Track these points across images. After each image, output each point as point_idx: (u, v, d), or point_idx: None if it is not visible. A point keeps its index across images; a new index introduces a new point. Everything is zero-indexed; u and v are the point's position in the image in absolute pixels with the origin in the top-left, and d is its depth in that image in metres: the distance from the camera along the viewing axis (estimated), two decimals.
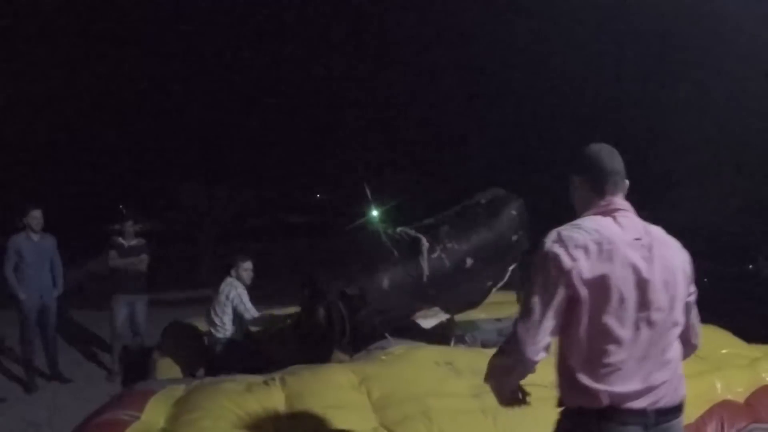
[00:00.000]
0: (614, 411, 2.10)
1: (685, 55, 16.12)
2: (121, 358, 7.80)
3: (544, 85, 20.87)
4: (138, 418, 3.74)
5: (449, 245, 5.36)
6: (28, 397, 6.96)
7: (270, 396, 3.95)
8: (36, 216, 7.12)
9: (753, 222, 12.57)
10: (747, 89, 13.94)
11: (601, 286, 2.09)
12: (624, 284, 2.11)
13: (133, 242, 7.89)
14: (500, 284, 5.63)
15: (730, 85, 14.35)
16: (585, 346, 2.12)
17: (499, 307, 6.73)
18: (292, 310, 6.77)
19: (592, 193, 2.35)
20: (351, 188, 39.03)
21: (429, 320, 5.71)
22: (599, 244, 2.12)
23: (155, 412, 3.87)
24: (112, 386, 7.17)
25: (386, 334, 5.12)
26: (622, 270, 2.11)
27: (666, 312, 2.19)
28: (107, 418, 3.73)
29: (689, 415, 3.61)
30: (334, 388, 4.01)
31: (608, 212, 2.28)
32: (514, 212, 5.62)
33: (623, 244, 2.15)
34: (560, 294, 2.10)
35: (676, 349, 2.27)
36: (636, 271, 2.13)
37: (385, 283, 5.13)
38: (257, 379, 4.24)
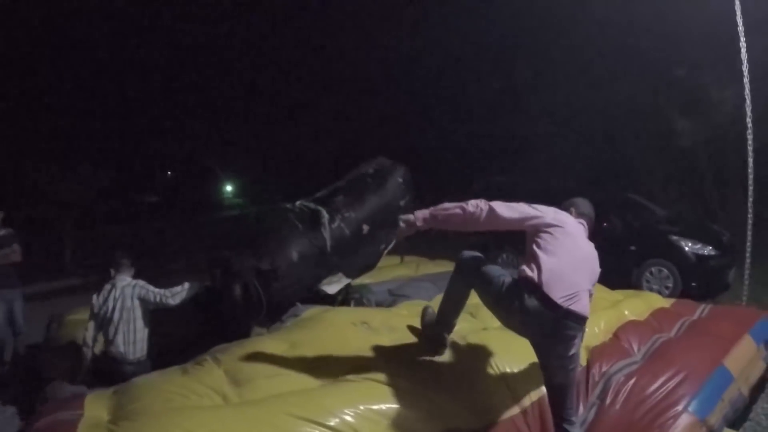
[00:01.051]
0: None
1: (537, 29, 16.90)
2: (6, 361, 7.29)
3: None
4: (81, 414, 3.68)
5: (347, 214, 5.59)
6: None
7: (209, 373, 3.98)
8: None
9: (601, 185, 13.72)
10: (597, 67, 14.88)
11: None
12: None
13: (2, 232, 7.30)
14: (391, 245, 5.89)
15: (582, 62, 15.22)
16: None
17: (385, 271, 7.25)
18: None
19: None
20: (201, 165, 38.71)
21: (333, 286, 5.77)
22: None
23: (95, 407, 3.82)
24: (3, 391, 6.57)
25: (297, 303, 5.41)
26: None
27: None
28: (53, 420, 3.68)
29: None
30: (267, 358, 4.04)
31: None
32: (400, 179, 5.91)
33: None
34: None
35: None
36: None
37: (294, 255, 5.30)
38: (186, 365, 4.25)
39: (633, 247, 9.34)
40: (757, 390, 5.07)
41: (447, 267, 7.72)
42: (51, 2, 24.02)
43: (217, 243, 11.31)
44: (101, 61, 28.20)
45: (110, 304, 5.39)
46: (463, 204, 3.63)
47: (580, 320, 3.41)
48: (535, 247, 3.51)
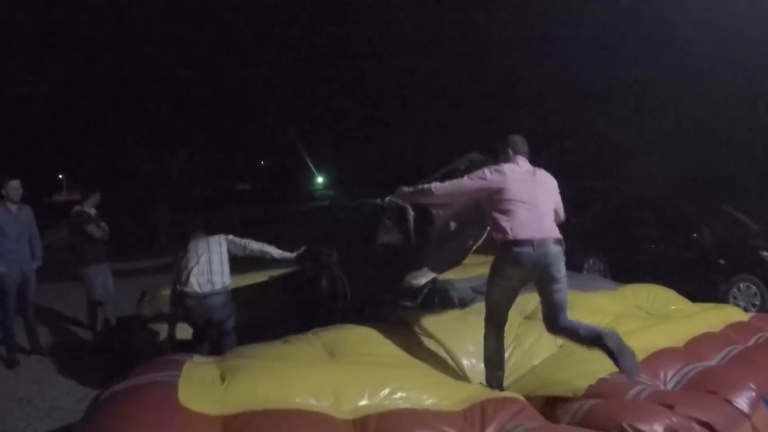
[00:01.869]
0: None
1: (635, 34, 16.74)
2: (101, 329, 7.73)
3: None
4: (177, 377, 3.73)
5: (434, 211, 5.56)
6: (12, 373, 6.69)
7: (310, 344, 4.44)
8: (15, 186, 6.86)
9: (696, 195, 13.48)
10: (695, 76, 14.60)
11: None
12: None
13: (92, 212, 7.83)
14: (480, 241, 5.70)
15: (681, 69, 14.96)
16: None
17: (469, 268, 7.46)
18: (278, 273, 7.28)
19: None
20: (293, 154, 39.55)
21: (419, 279, 5.77)
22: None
23: (194, 369, 3.92)
24: (93, 357, 7.07)
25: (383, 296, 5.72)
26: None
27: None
28: (150, 379, 3.73)
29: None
30: (363, 337, 4.67)
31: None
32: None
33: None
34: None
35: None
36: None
37: (380, 250, 5.51)
38: (286, 337, 4.66)
39: (722, 261, 9.23)
40: None
41: None
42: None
43: (308, 234, 11.77)
44: (203, 53, 29.43)
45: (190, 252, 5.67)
46: (428, 186, 4.70)
47: (558, 241, 4.31)
48: (495, 213, 4.36)
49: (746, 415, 3.86)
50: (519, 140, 4.70)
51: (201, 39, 29.09)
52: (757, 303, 8.65)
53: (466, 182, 4.50)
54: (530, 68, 21.44)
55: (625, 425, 3.47)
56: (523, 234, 4.21)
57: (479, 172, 4.48)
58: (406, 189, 5.04)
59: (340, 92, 30.99)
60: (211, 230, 5.99)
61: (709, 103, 14.17)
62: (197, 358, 4.29)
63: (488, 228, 4.72)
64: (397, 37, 26.17)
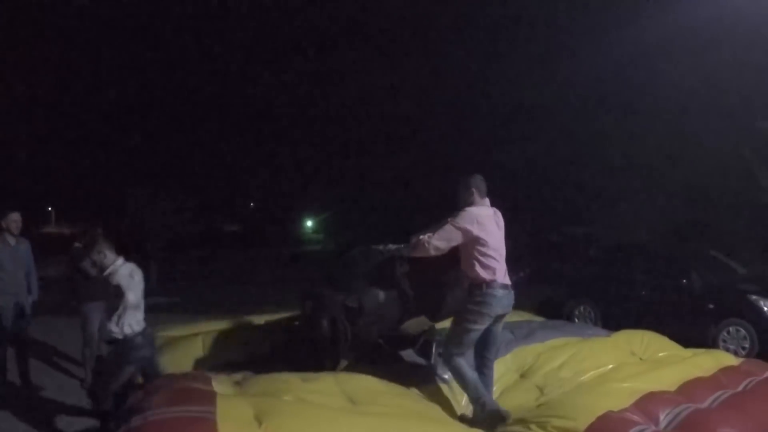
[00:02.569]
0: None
1: (623, 82, 17.10)
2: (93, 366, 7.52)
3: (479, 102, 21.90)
4: (214, 413, 3.71)
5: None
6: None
7: (328, 385, 4.62)
8: (15, 219, 6.79)
9: (684, 241, 13.72)
10: (682, 122, 14.92)
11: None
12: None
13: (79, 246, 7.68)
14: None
15: (668, 116, 15.28)
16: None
17: None
18: (278, 316, 7.43)
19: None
20: (283, 197, 39.69)
21: (415, 327, 6.00)
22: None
23: (228, 404, 3.91)
24: (83, 396, 6.97)
25: (380, 341, 5.83)
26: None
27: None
28: (182, 415, 3.69)
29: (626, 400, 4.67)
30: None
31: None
32: None
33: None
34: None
35: None
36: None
37: (381, 296, 5.59)
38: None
39: (711, 305, 9.39)
40: None
41: (526, 317, 8.04)
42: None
43: (308, 277, 11.85)
44: (201, 94, 29.80)
45: None
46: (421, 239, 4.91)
47: (511, 288, 4.91)
48: (475, 253, 4.78)
49: None
50: (480, 181, 5.04)
51: (193, 77, 29.43)
52: (747, 346, 8.81)
53: (455, 232, 4.80)
54: (519, 114, 21.79)
55: None
56: (501, 276, 4.82)
57: (460, 221, 4.80)
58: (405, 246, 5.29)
59: (330, 134, 31.25)
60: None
61: (695, 150, 14.44)
62: (220, 387, 4.34)
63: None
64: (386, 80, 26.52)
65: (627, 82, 16.80)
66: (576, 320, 10.77)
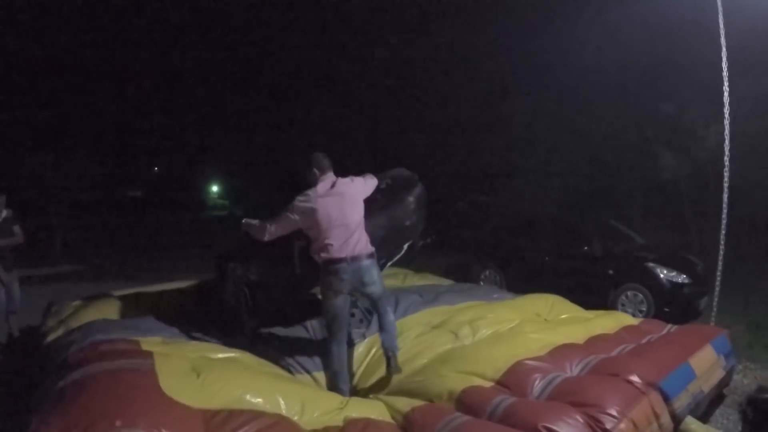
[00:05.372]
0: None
1: (534, 60, 17.44)
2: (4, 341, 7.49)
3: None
4: (152, 364, 4.00)
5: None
6: None
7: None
8: None
9: (585, 211, 14.15)
10: (585, 98, 15.31)
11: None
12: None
13: (5, 213, 7.62)
14: (393, 261, 6.04)
15: (571, 91, 15.64)
16: None
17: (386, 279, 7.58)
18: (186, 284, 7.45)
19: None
20: (188, 162, 38.76)
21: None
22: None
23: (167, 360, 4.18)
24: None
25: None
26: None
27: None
28: (118, 367, 3.95)
29: (538, 351, 4.85)
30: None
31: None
32: (411, 198, 5.77)
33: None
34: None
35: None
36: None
37: (279, 269, 5.52)
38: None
39: (611, 271, 9.74)
40: (716, 402, 5.58)
41: (432, 280, 8.17)
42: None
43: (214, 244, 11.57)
44: (100, 57, 28.62)
45: None
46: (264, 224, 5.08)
47: (370, 255, 4.94)
48: (311, 236, 4.93)
49: (644, 393, 4.21)
50: (318, 158, 5.16)
51: (97, 38, 28.14)
52: (644, 309, 9.20)
53: (289, 218, 4.97)
54: (435, 92, 21.96)
55: (540, 427, 3.70)
56: (343, 252, 4.83)
57: (291, 208, 4.96)
58: (249, 222, 5.30)
59: (235, 96, 30.54)
60: None
61: (601, 127, 14.87)
62: (150, 347, 4.54)
63: (404, 247, 5.66)
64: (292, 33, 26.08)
65: (538, 60, 17.13)
66: (482, 284, 10.95)
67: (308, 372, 5.19)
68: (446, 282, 8.42)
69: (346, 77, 24.30)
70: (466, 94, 20.55)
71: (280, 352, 5.30)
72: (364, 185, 5.26)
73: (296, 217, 4.93)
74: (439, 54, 21.46)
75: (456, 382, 4.40)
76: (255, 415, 3.67)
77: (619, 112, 14.69)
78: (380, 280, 5.07)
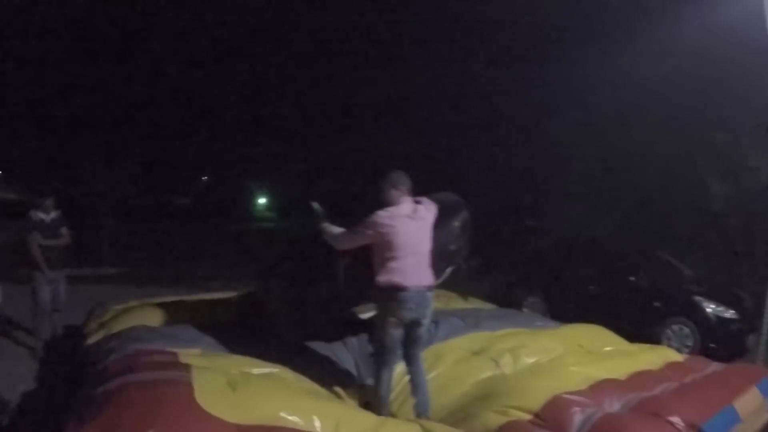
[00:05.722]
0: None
1: (582, 84, 17.30)
2: (43, 338, 7.69)
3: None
4: (188, 377, 4.03)
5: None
6: None
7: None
8: None
9: (634, 239, 13.99)
10: (635, 124, 15.17)
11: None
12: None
13: (53, 215, 7.86)
14: (436, 284, 5.72)
15: (621, 117, 15.51)
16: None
17: None
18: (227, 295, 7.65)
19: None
20: (236, 173, 39.16)
21: (366, 314, 6.18)
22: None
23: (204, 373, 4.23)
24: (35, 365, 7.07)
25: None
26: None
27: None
28: (154, 378, 4.02)
29: (578, 385, 4.80)
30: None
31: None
32: (456, 223, 5.73)
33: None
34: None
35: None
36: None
37: (323, 289, 5.52)
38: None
39: (657, 304, 9.62)
40: None
41: (475, 304, 8.16)
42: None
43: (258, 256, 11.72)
44: (151, 65, 29.29)
45: None
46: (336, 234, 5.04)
47: (432, 288, 4.83)
48: (384, 255, 4.70)
49: None
50: (400, 177, 4.94)
51: (147, 52, 28.85)
52: (690, 344, 9.04)
53: (362, 234, 4.80)
54: (480, 110, 21.90)
55: None
56: (409, 280, 4.65)
57: (371, 222, 4.75)
58: (330, 229, 5.17)
59: (287, 109, 30.91)
60: None
61: (649, 155, 14.71)
62: (188, 360, 4.58)
63: (447, 271, 5.54)
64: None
65: (587, 84, 16.99)
66: (525, 310, 10.91)
67: (344, 389, 5.21)
68: (488, 306, 8.40)
69: (401, 96, 24.34)
70: (515, 117, 20.46)
71: (319, 369, 5.31)
72: (435, 214, 5.08)
73: (372, 231, 4.74)
74: (487, 76, 21.39)
75: (494, 419, 4.39)
76: None
77: (671, 139, 14.50)
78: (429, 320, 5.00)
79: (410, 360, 4.95)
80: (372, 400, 5.00)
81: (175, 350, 4.87)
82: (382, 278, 4.71)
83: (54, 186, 10.07)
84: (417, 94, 23.86)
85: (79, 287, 10.59)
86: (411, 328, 4.81)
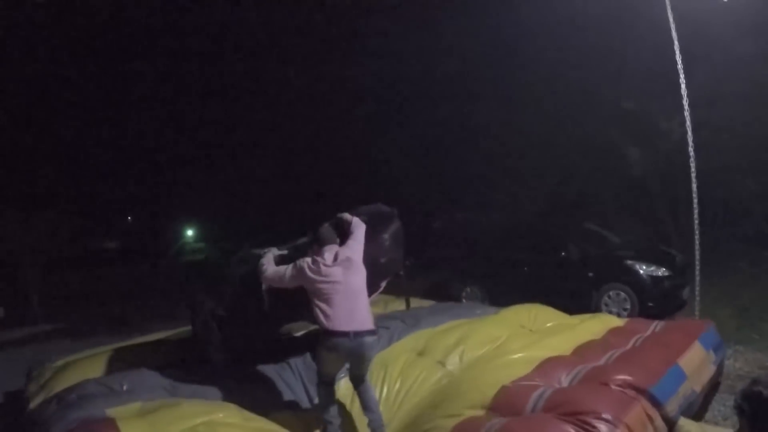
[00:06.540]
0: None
1: (493, 70, 17.42)
2: None
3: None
4: None
5: None
6: None
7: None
8: None
9: (559, 217, 14.15)
10: (551, 102, 15.36)
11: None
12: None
13: None
14: (372, 298, 5.52)
15: (537, 99, 15.68)
16: None
17: None
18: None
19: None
20: (160, 209, 38.44)
21: (300, 332, 6.28)
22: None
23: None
24: None
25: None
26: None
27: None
28: None
29: (523, 370, 4.75)
30: None
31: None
32: (385, 236, 5.61)
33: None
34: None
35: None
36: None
37: (250, 305, 5.41)
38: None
39: (591, 273, 9.68)
40: (711, 393, 5.52)
41: (415, 303, 8.06)
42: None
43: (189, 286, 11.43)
44: (64, 107, 28.37)
45: None
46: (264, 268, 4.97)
47: (371, 332, 4.59)
48: (314, 299, 4.61)
49: (636, 399, 4.16)
50: (326, 232, 4.90)
51: (58, 89, 27.82)
52: (628, 307, 9.15)
53: (288, 274, 4.76)
54: (394, 107, 21.82)
55: None
56: (342, 326, 4.51)
57: (299, 268, 4.71)
58: (264, 263, 5.10)
59: (205, 137, 30.27)
60: None
61: (565, 132, 14.91)
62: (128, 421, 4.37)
63: (382, 284, 5.48)
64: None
65: (497, 70, 17.11)
66: (464, 301, 10.85)
67: (296, 414, 5.05)
68: (427, 303, 8.32)
69: (321, 100, 24.07)
70: (429, 106, 20.40)
71: (269, 397, 5.17)
72: (360, 243, 4.97)
73: (299, 277, 4.71)
74: (402, 66, 21.25)
75: (448, 422, 4.32)
76: None
77: (583, 114, 14.73)
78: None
79: (356, 382, 4.82)
80: (320, 412, 4.86)
81: (113, 414, 4.56)
82: (317, 320, 4.64)
83: None
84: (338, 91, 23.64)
85: (15, 351, 10.28)
86: (352, 363, 4.72)
